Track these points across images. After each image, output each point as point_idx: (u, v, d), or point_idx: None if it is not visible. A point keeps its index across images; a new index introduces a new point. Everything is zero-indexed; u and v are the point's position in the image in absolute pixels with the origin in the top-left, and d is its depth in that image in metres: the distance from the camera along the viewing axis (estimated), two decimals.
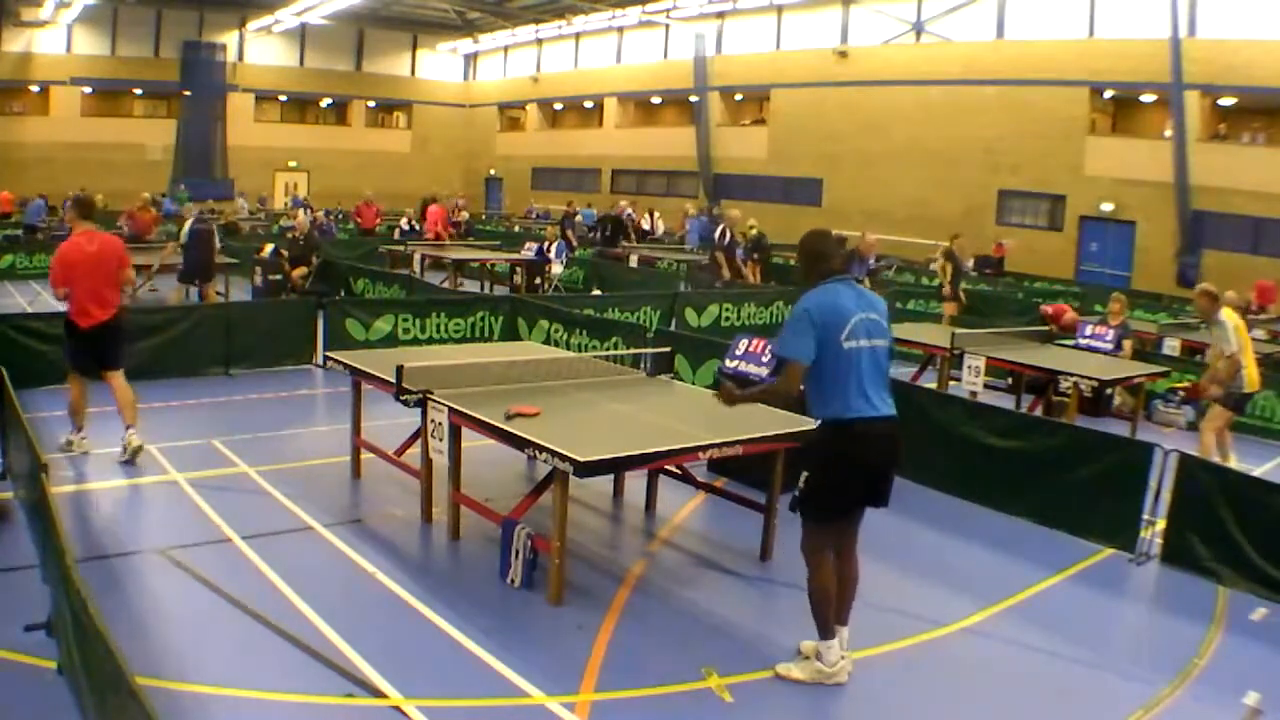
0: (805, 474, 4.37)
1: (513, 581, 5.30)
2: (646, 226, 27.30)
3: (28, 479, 4.95)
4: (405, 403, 5.91)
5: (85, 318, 6.92)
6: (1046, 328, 11.80)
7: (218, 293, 13.30)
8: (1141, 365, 10.13)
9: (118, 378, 7.09)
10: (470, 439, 5.79)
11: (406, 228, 23.79)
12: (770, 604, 5.54)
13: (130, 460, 7.00)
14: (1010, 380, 10.42)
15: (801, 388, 4.33)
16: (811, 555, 4.44)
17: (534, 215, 34.10)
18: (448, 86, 43.18)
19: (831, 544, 4.45)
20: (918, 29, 26.99)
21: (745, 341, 7.74)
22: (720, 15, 31.80)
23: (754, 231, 19.58)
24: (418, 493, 6.31)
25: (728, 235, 15.35)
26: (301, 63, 39.33)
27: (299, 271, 14.46)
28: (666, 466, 6.11)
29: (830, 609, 4.43)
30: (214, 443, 7.65)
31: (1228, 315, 8.12)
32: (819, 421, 4.37)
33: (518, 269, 17.63)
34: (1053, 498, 6.85)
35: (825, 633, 4.44)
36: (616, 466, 5.33)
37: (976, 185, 25.16)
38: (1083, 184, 23.40)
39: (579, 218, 26.38)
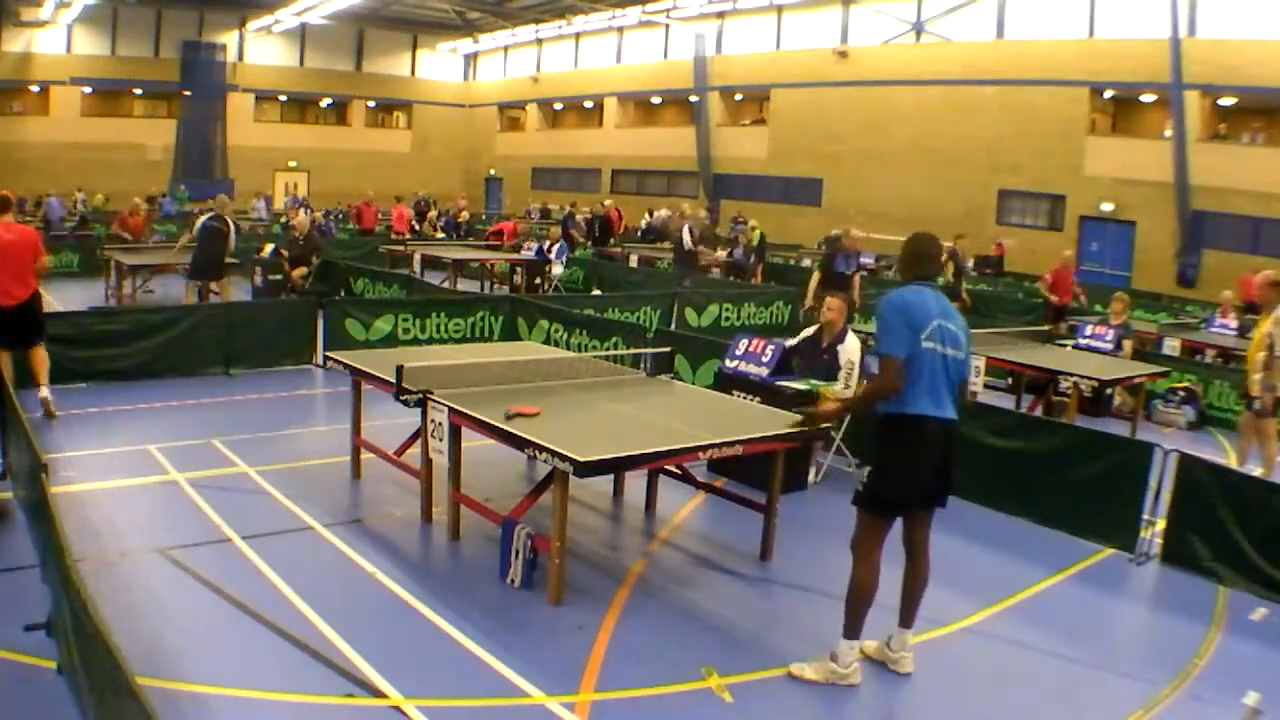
0: (869, 469, 4.49)
1: (513, 581, 5.30)
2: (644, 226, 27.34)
3: (28, 479, 4.95)
4: (405, 403, 5.91)
5: (6, 297, 7.78)
6: (1046, 328, 11.81)
7: (213, 291, 13.13)
8: (1141, 365, 10.12)
9: (40, 350, 8.13)
10: (470, 439, 5.79)
11: None
12: (770, 604, 5.53)
13: (47, 414, 7.96)
14: (1010, 380, 10.42)
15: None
16: (859, 548, 4.47)
17: (532, 215, 34.08)
18: (448, 86, 43.17)
19: (882, 541, 4.47)
20: (918, 29, 26.99)
21: (745, 341, 7.75)
22: (720, 15, 31.79)
23: (756, 233, 19.65)
24: (418, 493, 6.31)
25: (695, 231, 17.04)
26: (301, 63, 39.32)
27: (299, 271, 14.45)
28: (666, 466, 6.11)
29: (864, 609, 4.43)
30: (214, 443, 7.65)
31: None
32: (882, 414, 4.41)
33: (518, 269, 17.65)
34: (1053, 498, 6.86)
35: (850, 632, 4.45)
36: (616, 466, 5.33)
37: (976, 185, 25.16)
38: (1083, 184, 23.40)
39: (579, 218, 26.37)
